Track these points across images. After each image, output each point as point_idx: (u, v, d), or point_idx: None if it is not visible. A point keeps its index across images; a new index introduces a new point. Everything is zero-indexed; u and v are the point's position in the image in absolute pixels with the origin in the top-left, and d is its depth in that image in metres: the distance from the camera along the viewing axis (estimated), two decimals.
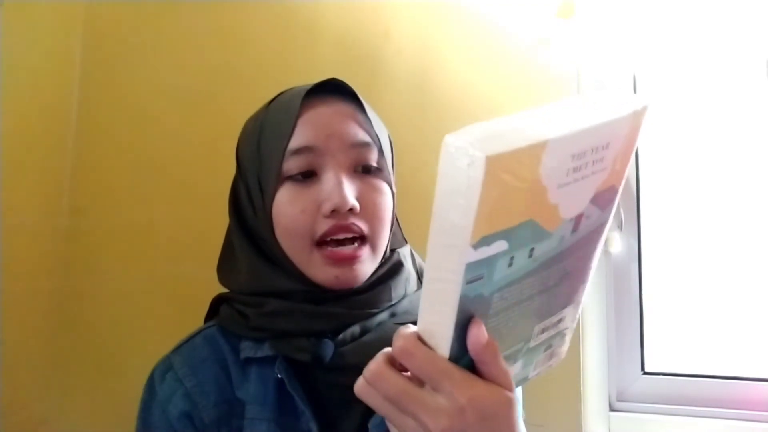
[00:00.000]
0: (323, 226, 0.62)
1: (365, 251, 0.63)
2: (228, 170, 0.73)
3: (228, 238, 0.73)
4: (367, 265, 0.64)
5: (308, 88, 0.66)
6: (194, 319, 0.75)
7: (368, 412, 0.63)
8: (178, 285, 1.06)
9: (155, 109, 1.11)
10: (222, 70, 1.10)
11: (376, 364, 0.43)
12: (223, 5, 1.12)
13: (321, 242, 0.63)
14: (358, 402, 0.65)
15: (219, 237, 0.75)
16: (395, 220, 0.70)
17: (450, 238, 0.35)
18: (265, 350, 0.64)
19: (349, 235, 0.62)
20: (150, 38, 1.13)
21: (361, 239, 0.63)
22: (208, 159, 1.08)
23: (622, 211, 1.06)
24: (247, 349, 0.65)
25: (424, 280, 0.39)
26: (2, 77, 0.97)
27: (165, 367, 0.66)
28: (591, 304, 1.02)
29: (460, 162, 0.32)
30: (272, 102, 0.69)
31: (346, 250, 0.62)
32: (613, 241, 1.05)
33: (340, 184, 0.62)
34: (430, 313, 0.40)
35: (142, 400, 0.66)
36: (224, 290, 0.72)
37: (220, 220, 0.74)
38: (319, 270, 0.63)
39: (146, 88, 1.12)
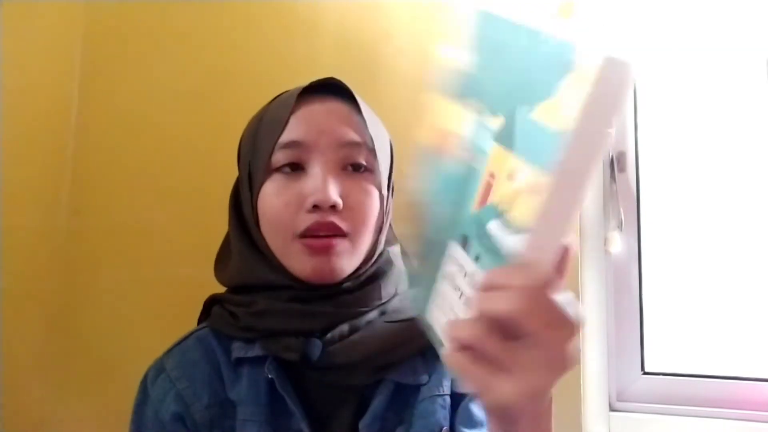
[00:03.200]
0: (305, 221, 0.62)
1: (343, 244, 0.63)
2: (228, 170, 0.73)
3: (228, 234, 0.73)
4: (344, 259, 0.64)
5: (308, 85, 0.67)
6: (194, 319, 0.75)
7: (359, 411, 0.63)
8: (178, 285, 1.06)
9: (155, 110, 1.11)
10: (222, 70, 1.10)
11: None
12: (223, 5, 1.12)
13: (301, 237, 0.63)
14: (349, 401, 0.65)
15: (218, 238, 0.75)
16: (385, 222, 0.70)
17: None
18: (256, 350, 0.64)
19: (330, 233, 0.63)
20: (150, 38, 1.13)
21: (341, 236, 0.63)
22: (207, 159, 1.08)
23: (622, 211, 1.06)
24: (238, 350, 0.65)
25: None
26: (2, 77, 0.97)
27: (157, 369, 0.67)
28: (591, 304, 1.02)
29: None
30: (274, 99, 0.71)
31: (322, 240, 0.62)
32: (613, 241, 1.05)
33: (324, 181, 0.62)
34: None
35: (136, 402, 0.66)
36: (219, 291, 0.72)
37: (220, 220, 0.74)
38: (297, 261, 0.64)
39: (146, 88, 1.12)
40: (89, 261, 1.10)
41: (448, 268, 0.45)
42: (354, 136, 0.65)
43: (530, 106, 0.38)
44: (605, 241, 1.05)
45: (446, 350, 0.40)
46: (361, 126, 0.66)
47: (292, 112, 0.65)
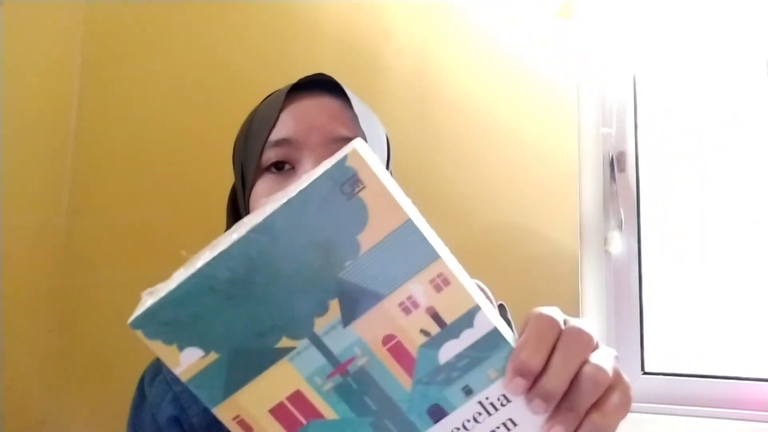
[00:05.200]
0: None
1: None
2: (228, 171, 0.73)
3: None
4: None
5: (297, 81, 0.66)
6: None
7: None
8: None
9: (155, 110, 1.11)
10: (222, 70, 1.10)
11: None
12: (223, 5, 1.12)
13: None
14: None
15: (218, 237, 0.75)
16: None
17: None
18: None
19: None
20: (150, 38, 1.13)
21: None
22: (207, 159, 1.08)
23: (622, 211, 1.06)
24: None
25: None
26: (2, 77, 0.97)
27: (154, 370, 0.65)
28: (591, 304, 1.02)
29: None
30: (265, 98, 0.70)
31: None
32: (613, 241, 1.05)
33: None
34: None
35: (132, 404, 0.65)
36: None
37: (220, 220, 0.74)
38: None
39: (146, 88, 1.12)
40: (89, 261, 1.10)
41: None
42: (344, 132, 0.63)
43: (342, 263, 0.33)
44: (605, 241, 1.05)
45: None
46: (353, 121, 0.64)
47: (281, 110, 0.63)
